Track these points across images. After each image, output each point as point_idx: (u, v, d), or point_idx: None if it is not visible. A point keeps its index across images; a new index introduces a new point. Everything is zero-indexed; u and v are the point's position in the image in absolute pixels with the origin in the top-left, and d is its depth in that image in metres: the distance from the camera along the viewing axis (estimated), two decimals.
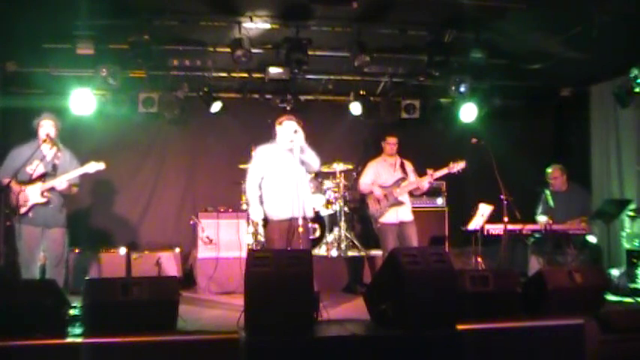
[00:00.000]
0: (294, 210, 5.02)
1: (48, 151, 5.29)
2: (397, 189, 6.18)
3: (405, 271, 4.02)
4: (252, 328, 3.93)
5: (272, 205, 5.18)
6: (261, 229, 7.12)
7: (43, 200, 5.19)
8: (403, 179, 6.24)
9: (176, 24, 5.91)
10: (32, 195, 5.16)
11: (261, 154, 5.35)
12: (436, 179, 6.27)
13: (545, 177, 6.74)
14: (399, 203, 6.16)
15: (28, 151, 5.22)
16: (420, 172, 6.32)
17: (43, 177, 5.22)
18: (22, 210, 5.12)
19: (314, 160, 5.29)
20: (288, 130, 5.23)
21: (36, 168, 5.16)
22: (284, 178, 5.17)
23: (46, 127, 5.26)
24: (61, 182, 5.23)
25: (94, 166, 5.33)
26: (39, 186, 5.18)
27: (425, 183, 6.18)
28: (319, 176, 7.56)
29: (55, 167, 5.28)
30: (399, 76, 7.66)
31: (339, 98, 8.04)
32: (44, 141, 5.19)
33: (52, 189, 5.23)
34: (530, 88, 7.91)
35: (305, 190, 5.22)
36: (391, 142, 6.32)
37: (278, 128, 5.30)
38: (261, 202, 5.23)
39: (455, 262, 4.71)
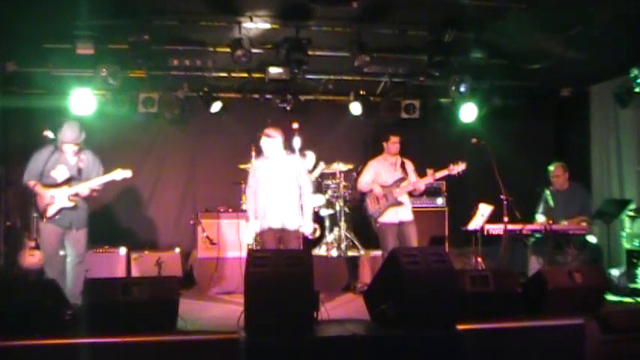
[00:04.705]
0: (282, 221, 5.41)
1: (71, 156, 5.34)
2: (397, 189, 6.17)
3: (405, 271, 4.03)
4: (252, 328, 3.93)
5: (260, 215, 5.50)
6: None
7: (71, 204, 5.25)
8: (403, 179, 6.24)
9: (176, 24, 5.90)
10: (59, 199, 5.21)
11: (253, 166, 5.71)
12: (436, 180, 6.28)
13: (548, 175, 6.73)
14: (399, 203, 6.16)
15: (51, 155, 5.29)
16: (420, 173, 6.32)
17: (68, 181, 5.27)
18: (50, 213, 5.18)
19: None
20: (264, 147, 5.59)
21: (61, 173, 5.26)
22: (270, 189, 5.48)
23: (73, 136, 5.27)
24: (83, 189, 5.29)
25: (121, 174, 5.38)
26: (65, 190, 5.23)
27: (421, 185, 6.20)
28: (319, 176, 7.56)
29: (80, 171, 5.34)
30: (399, 76, 7.65)
31: (339, 98, 8.03)
32: (77, 153, 5.29)
33: (77, 193, 5.30)
34: (530, 88, 7.90)
35: (292, 201, 5.46)
36: (394, 141, 6.31)
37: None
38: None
39: (455, 262, 4.72)
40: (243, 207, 7.18)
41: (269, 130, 5.58)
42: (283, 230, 5.43)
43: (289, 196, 5.45)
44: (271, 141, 5.53)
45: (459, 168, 6.07)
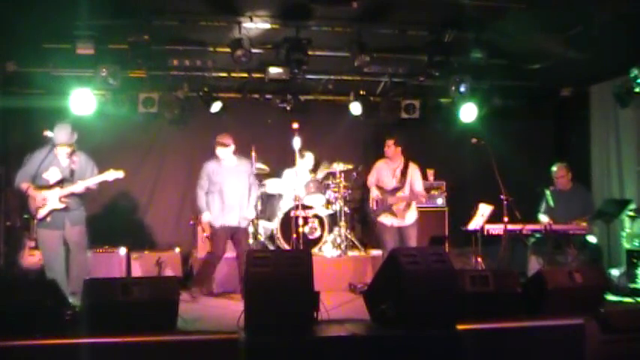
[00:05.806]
0: (236, 219, 6.08)
1: (64, 158, 5.37)
2: (390, 197, 6.21)
3: (405, 271, 4.03)
4: (252, 328, 3.93)
5: (216, 213, 6.14)
6: (261, 230, 7.17)
7: (62, 206, 5.27)
8: (398, 189, 6.25)
9: (176, 24, 5.89)
10: (50, 201, 5.24)
11: (205, 169, 6.24)
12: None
13: (551, 175, 6.72)
14: (392, 212, 6.18)
15: (45, 156, 5.31)
16: (421, 173, 6.33)
17: (60, 183, 5.30)
18: (41, 215, 5.21)
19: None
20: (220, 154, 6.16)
21: (53, 174, 5.29)
22: (227, 191, 6.09)
23: (65, 137, 5.31)
24: (78, 187, 5.32)
25: (113, 175, 5.43)
26: (57, 191, 5.26)
27: (414, 200, 6.27)
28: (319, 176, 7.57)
29: (72, 173, 5.37)
30: (399, 76, 7.64)
31: (339, 98, 8.02)
32: (70, 155, 5.34)
33: (70, 195, 5.31)
34: (530, 88, 7.90)
35: (245, 201, 6.17)
36: (389, 145, 6.37)
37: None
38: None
39: (455, 262, 4.71)
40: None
41: (223, 140, 6.14)
42: (236, 228, 6.10)
43: (243, 197, 6.16)
44: (227, 149, 6.13)
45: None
